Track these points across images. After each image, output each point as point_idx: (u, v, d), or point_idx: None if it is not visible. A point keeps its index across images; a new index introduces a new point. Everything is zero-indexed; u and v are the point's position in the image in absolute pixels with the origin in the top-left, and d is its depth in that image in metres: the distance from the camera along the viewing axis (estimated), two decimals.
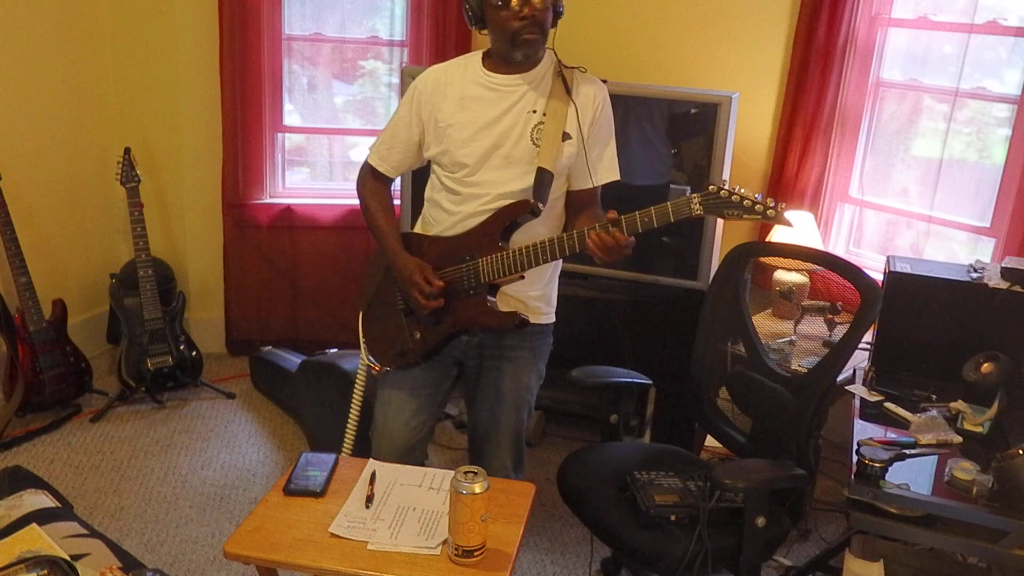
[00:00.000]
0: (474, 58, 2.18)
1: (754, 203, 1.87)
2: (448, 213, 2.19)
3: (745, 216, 1.89)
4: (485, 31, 2.10)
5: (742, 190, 1.89)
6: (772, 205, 1.87)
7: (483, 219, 2.14)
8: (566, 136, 2.11)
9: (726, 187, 1.89)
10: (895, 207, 3.39)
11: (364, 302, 2.38)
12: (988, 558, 2.10)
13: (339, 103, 4.12)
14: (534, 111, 2.11)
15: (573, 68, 2.16)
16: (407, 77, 3.21)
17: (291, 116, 3.96)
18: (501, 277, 2.11)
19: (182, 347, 3.63)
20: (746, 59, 3.44)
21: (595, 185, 2.19)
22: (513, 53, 2.07)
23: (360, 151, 4.13)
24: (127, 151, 3.50)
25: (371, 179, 2.31)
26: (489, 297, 2.15)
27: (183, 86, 3.74)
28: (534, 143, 2.10)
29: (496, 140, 2.11)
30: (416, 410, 2.27)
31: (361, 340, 2.37)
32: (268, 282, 3.96)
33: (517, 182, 2.12)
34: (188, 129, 3.80)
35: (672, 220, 1.93)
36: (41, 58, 3.49)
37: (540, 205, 2.08)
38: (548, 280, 2.28)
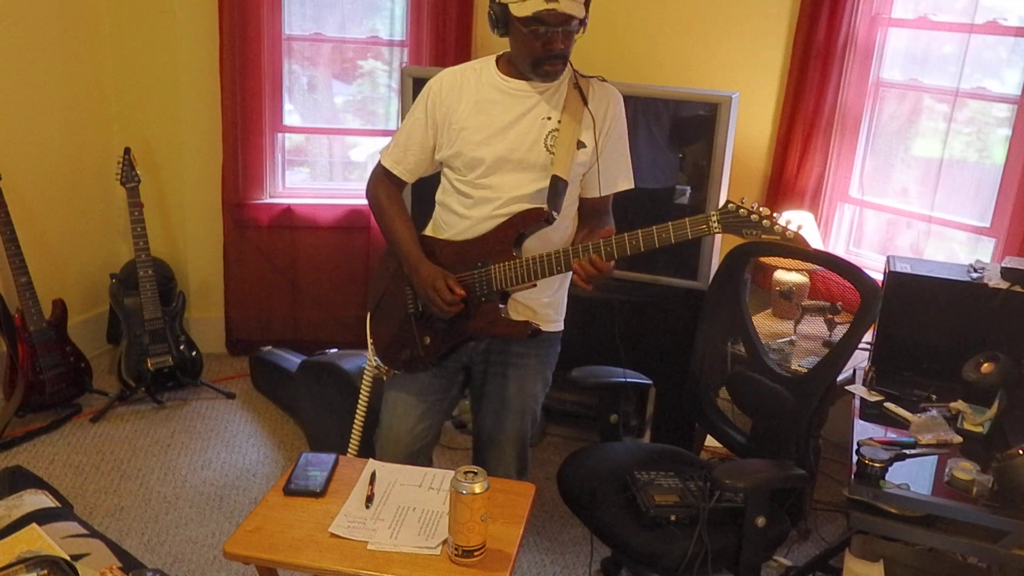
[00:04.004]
0: (488, 63, 2.16)
1: (773, 223, 1.86)
2: (460, 217, 2.17)
3: (764, 236, 1.87)
4: (505, 36, 2.08)
5: (760, 208, 1.87)
6: (790, 226, 1.86)
7: (496, 223, 2.12)
8: (581, 145, 2.10)
9: (744, 204, 1.88)
10: (895, 207, 3.39)
11: (373, 303, 2.37)
12: (988, 558, 2.11)
13: (339, 103, 4.12)
14: (548, 118, 2.09)
15: (591, 77, 2.15)
16: (407, 77, 3.22)
17: (291, 116, 3.96)
18: (514, 285, 2.10)
19: (182, 347, 3.63)
20: (746, 59, 3.44)
21: (602, 195, 2.18)
22: (533, 77, 2.07)
23: (360, 151, 4.13)
24: (127, 151, 3.50)
25: (385, 183, 2.27)
26: (500, 304, 2.14)
27: (183, 86, 3.74)
28: (548, 150, 2.09)
29: (510, 144, 2.10)
30: (422, 415, 2.27)
31: (369, 341, 2.36)
32: (268, 282, 3.96)
33: (529, 186, 2.10)
34: (188, 129, 3.80)
35: (690, 237, 1.92)
36: (41, 58, 3.49)
37: (554, 213, 2.07)
38: (559, 287, 2.26)
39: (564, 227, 2.19)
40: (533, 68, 2.04)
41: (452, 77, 2.17)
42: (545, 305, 2.23)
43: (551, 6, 1.92)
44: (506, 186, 2.11)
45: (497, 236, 2.12)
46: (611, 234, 2.01)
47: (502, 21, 2.03)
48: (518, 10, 1.95)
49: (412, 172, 2.25)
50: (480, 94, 2.12)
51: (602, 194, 2.18)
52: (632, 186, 2.23)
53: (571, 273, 2.26)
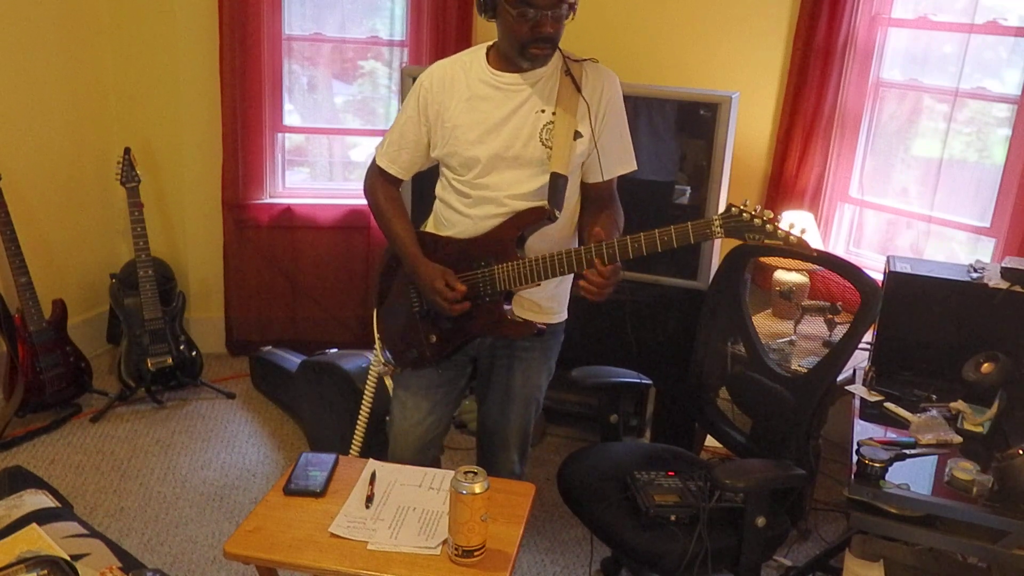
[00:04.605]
0: (478, 53, 2.12)
1: (776, 228, 1.83)
2: (461, 215, 2.16)
3: (767, 241, 1.84)
4: (493, 20, 2.04)
5: (763, 211, 1.85)
6: (793, 229, 1.84)
7: (498, 222, 2.10)
8: (578, 135, 2.07)
9: (747, 208, 1.85)
10: (895, 207, 3.39)
11: (378, 299, 2.36)
12: (988, 558, 2.10)
13: (339, 103, 4.12)
14: (542, 111, 2.06)
15: (583, 61, 2.11)
16: (407, 77, 3.21)
17: (291, 116, 3.96)
18: (518, 286, 2.09)
19: (182, 347, 3.63)
20: (746, 59, 3.44)
21: (604, 179, 2.15)
22: (520, 61, 2.04)
23: (360, 151, 4.13)
24: (127, 151, 3.50)
25: (381, 182, 2.25)
26: (505, 305, 2.13)
27: (183, 86, 3.74)
28: (544, 144, 2.06)
29: (505, 141, 2.07)
30: (431, 408, 2.28)
31: (376, 337, 2.36)
32: (268, 282, 3.96)
33: (528, 183, 2.08)
34: (188, 129, 3.80)
35: (692, 241, 1.90)
36: (41, 58, 3.49)
37: (556, 212, 2.05)
38: (561, 280, 2.25)
39: (563, 223, 2.17)
40: (520, 52, 2.00)
41: (442, 72, 2.14)
42: (549, 299, 2.23)
43: None
44: (504, 184, 2.09)
45: (499, 235, 2.10)
46: (611, 234, 1.99)
47: (490, 4, 2.01)
48: None
49: (407, 170, 2.24)
50: (471, 90, 2.09)
51: (604, 178, 2.15)
52: (634, 167, 2.20)
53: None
